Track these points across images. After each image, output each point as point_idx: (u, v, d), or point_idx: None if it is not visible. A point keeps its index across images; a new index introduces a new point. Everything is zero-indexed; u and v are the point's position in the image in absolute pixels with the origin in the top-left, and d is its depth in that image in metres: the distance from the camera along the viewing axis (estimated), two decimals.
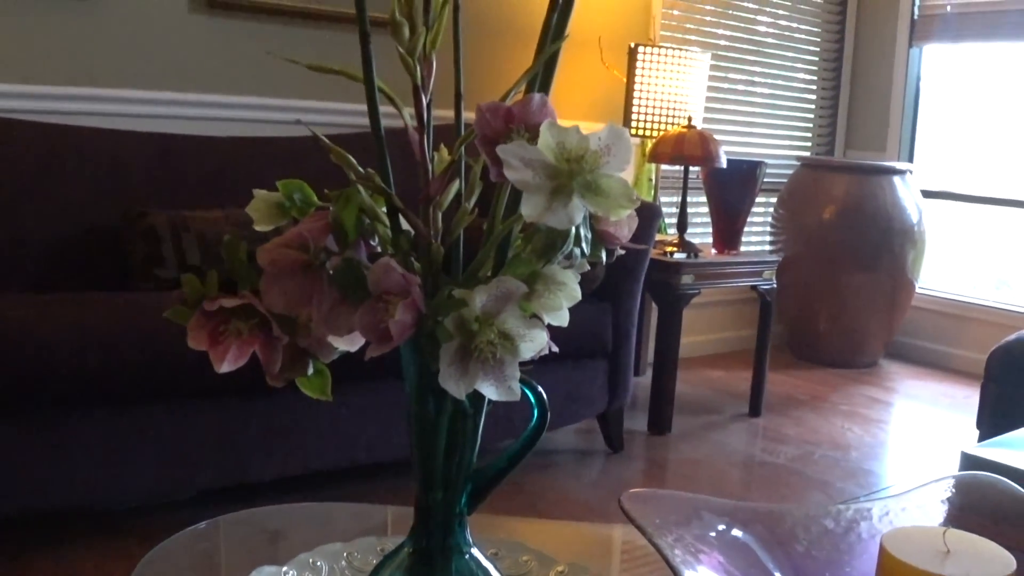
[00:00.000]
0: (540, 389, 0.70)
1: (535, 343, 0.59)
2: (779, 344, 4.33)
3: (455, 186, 0.67)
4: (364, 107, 0.66)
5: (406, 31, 0.63)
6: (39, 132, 2.46)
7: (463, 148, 0.65)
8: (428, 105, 0.65)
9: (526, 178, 0.57)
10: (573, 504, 2.52)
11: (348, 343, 0.66)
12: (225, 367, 0.64)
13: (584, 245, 0.61)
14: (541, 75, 0.64)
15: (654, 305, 3.28)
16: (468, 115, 0.63)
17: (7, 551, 2.02)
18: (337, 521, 1.07)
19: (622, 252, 0.69)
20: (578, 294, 0.61)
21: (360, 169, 0.65)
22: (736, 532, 0.91)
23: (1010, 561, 0.79)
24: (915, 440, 3.35)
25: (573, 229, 0.59)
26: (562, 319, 0.61)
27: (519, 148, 0.57)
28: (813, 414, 3.48)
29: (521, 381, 0.67)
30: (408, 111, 0.66)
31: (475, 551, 0.71)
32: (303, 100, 2.99)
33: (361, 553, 0.88)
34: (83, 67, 2.66)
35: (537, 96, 0.60)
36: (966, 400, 3.72)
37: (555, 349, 0.64)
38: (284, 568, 0.84)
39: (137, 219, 2.43)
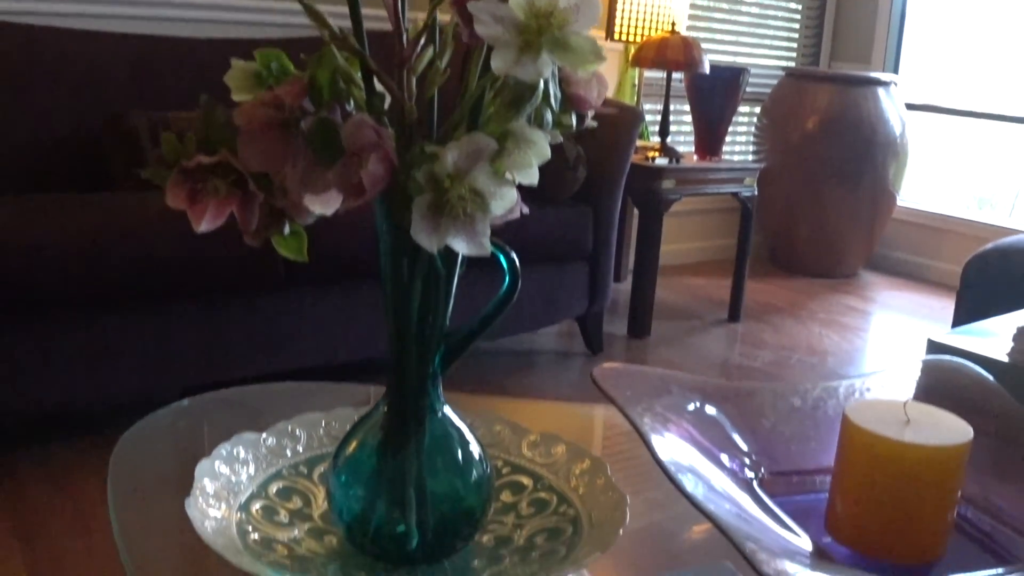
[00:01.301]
0: (512, 253, 0.71)
1: (505, 200, 0.60)
2: (760, 255, 4.36)
3: (429, 52, 0.68)
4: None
5: None
6: (17, 34, 2.43)
7: (435, 11, 0.66)
8: None
9: (496, 33, 0.57)
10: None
11: (324, 205, 0.67)
12: (204, 226, 0.65)
13: (553, 103, 0.62)
14: None
15: (636, 213, 3.29)
16: None
17: None
18: (317, 399, 1.09)
19: (593, 124, 0.69)
20: (547, 152, 0.61)
21: (335, 29, 0.65)
22: (705, 407, 0.93)
23: (967, 430, 0.82)
24: (891, 348, 3.40)
25: (541, 84, 0.60)
26: (532, 177, 0.62)
27: (490, 5, 0.58)
28: (791, 321, 3.52)
29: (493, 244, 0.68)
30: None
31: (448, 410, 0.73)
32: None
33: (339, 422, 0.90)
34: None
35: None
36: (943, 311, 3.76)
37: (525, 210, 0.65)
38: (263, 435, 0.86)
39: (118, 122, 2.41)
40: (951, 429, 0.81)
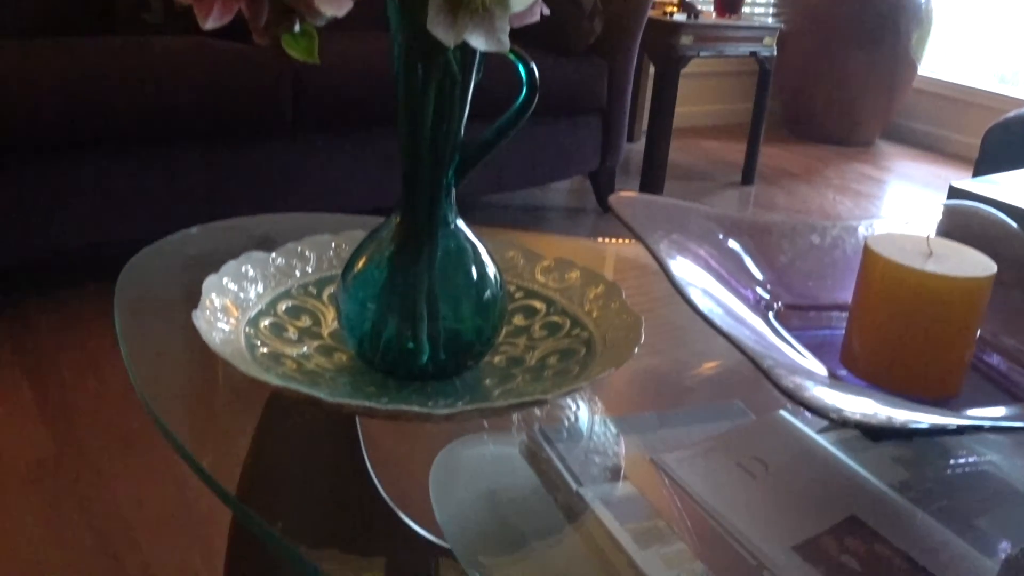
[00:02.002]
0: (531, 62, 0.68)
1: None
2: (776, 121, 4.29)
3: None
4: None
5: None
6: None
7: None
8: None
9: None
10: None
11: (335, 6, 0.64)
12: (210, 23, 0.62)
13: None
14: None
15: (652, 72, 3.23)
16: None
17: (2, 299, 2.06)
18: (330, 226, 1.07)
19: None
20: None
21: None
22: (722, 237, 0.91)
23: (991, 265, 0.80)
24: (906, 216, 3.37)
25: None
26: None
27: None
28: (805, 186, 3.48)
29: (512, 51, 0.65)
30: None
31: (460, 223, 0.71)
32: None
33: (349, 244, 0.88)
34: None
35: None
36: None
37: (546, 11, 0.62)
38: (272, 255, 0.85)
39: None
40: (975, 263, 0.79)
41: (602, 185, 2.89)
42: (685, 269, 0.78)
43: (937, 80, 4.42)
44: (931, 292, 0.76)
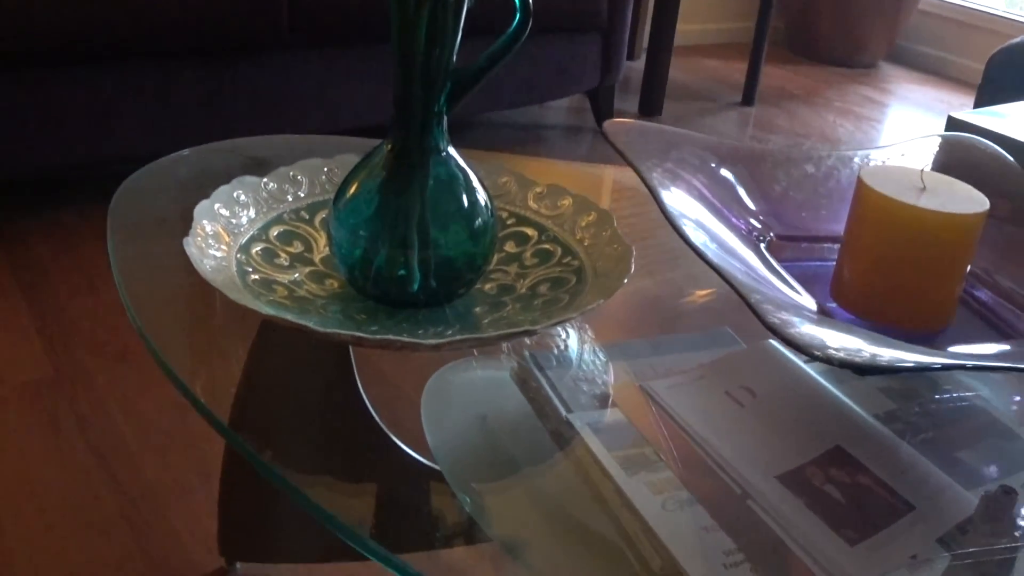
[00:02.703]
0: None
1: None
2: (778, 41, 4.24)
3: None
4: None
5: None
6: None
7: None
8: None
9: None
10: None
11: None
12: None
13: None
14: None
15: None
16: None
17: None
18: (325, 150, 1.07)
19: None
20: None
21: None
22: (715, 166, 0.91)
23: (983, 201, 0.80)
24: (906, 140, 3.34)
25: None
26: None
27: None
28: (806, 107, 3.46)
29: None
30: None
31: (452, 150, 0.71)
32: None
33: (341, 168, 0.88)
34: None
35: None
36: (962, 107, 3.69)
37: None
38: (264, 179, 0.84)
39: None
40: (967, 198, 0.79)
41: (601, 104, 2.86)
42: (678, 200, 0.78)
43: (943, 2, 4.36)
44: (923, 227, 0.76)
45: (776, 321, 0.58)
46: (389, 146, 0.70)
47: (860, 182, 0.80)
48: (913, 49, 4.43)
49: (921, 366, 0.57)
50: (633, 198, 1.11)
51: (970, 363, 0.62)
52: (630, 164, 0.80)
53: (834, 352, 0.55)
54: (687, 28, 3.98)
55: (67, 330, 1.67)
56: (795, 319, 0.60)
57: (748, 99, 3.37)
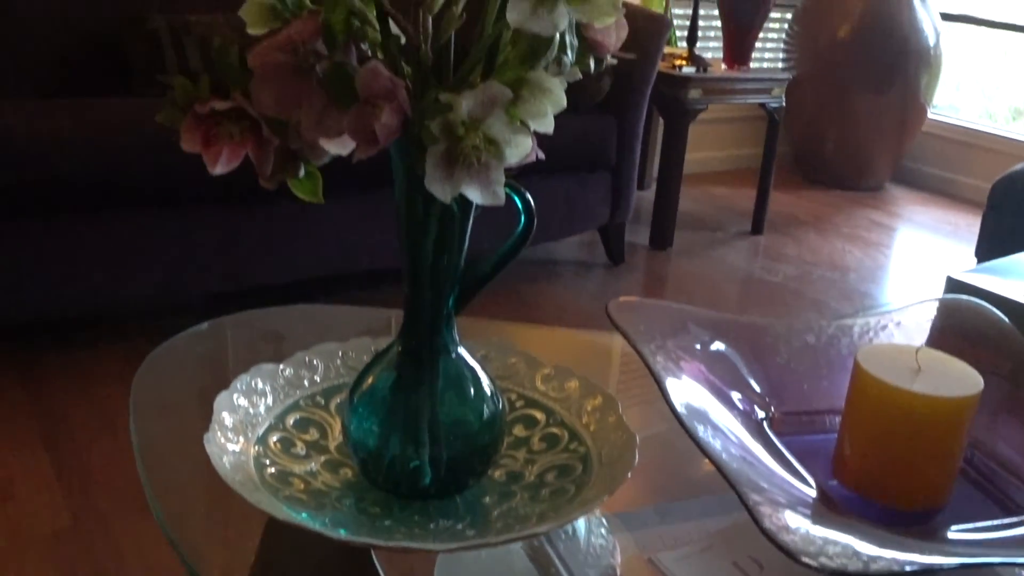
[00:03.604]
0: (527, 195, 0.71)
1: (520, 149, 0.60)
2: (785, 165, 4.32)
3: None
4: None
5: None
6: None
7: None
8: None
9: None
10: (571, 314, 2.57)
11: (338, 146, 0.67)
12: (219, 169, 0.65)
13: (570, 52, 0.61)
14: None
15: (661, 120, 3.26)
16: None
17: (20, 358, 2.09)
18: (337, 323, 1.10)
19: (613, 62, 0.68)
20: (563, 101, 0.61)
21: None
22: (719, 344, 0.94)
23: (978, 381, 0.82)
24: (914, 265, 3.38)
25: (557, 36, 0.59)
26: (547, 125, 0.61)
27: None
28: (815, 234, 3.50)
29: (508, 186, 0.68)
30: None
31: (462, 350, 0.74)
32: None
33: (355, 352, 0.91)
34: None
35: None
36: (968, 228, 3.73)
37: (541, 156, 0.65)
38: (281, 365, 0.87)
39: (137, 24, 2.39)
40: (962, 379, 0.81)
41: (612, 239, 2.92)
42: (681, 384, 0.81)
43: (947, 123, 4.44)
44: (918, 411, 0.78)
45: (772, 527, 0.60)
46: (400, 347, 0.73)
47: (857, 365, 0.82)
48: (919, 170, 4.50)
49: (920, 568, 0.59)
50: (639, 368, 1.13)
51: (970, 560, 0.64)
52: (635, 349, 0.83)
53: (827, 561, 0.57)
54: (695, 156, 4.06)
55: (85, 478, 1.69)
56: (790, 522, 0.61)
57: (757, 228, 3.42)
